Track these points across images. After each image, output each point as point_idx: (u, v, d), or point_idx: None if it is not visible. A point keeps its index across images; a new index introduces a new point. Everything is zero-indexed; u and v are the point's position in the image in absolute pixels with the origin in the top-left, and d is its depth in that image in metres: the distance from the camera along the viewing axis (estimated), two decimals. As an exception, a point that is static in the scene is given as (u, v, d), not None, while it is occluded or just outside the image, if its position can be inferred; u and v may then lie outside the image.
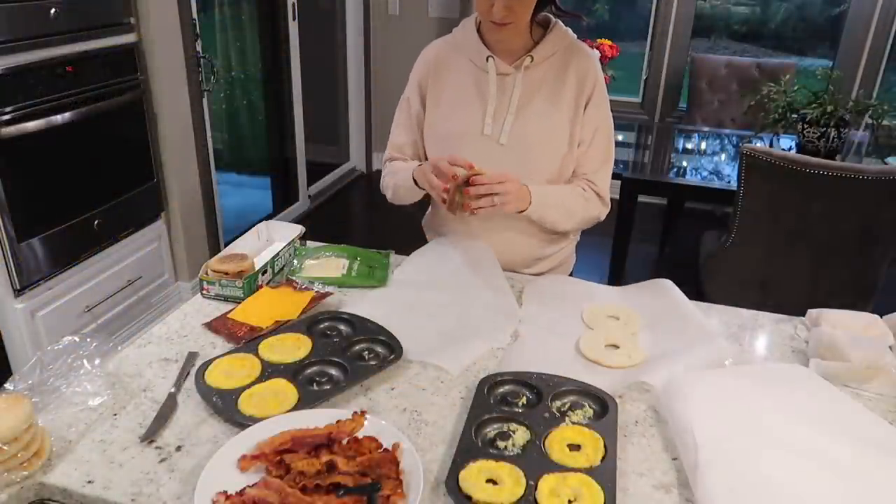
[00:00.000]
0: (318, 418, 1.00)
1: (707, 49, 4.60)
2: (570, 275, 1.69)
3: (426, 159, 1.56)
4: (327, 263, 1.53)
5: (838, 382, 1.15)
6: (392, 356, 1.18)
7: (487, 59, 1.44)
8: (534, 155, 1.47)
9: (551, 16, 1.47)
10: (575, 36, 1.48)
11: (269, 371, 1.13)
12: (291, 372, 1.13)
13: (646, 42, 4.30)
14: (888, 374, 1.15)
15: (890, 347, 1.23)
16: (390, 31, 4.52)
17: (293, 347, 1.19)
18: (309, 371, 1.15)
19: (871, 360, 1.15)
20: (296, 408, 1.04)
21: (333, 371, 1.15)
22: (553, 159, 1.47)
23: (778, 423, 0.99)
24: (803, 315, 1.36)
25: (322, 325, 1.27)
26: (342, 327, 1.27)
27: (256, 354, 1.17)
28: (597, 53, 2.88)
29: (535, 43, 1.44)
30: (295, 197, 4.22)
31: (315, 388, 1.10)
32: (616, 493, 0.89)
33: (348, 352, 1.19)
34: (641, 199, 2.85)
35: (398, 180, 1.52)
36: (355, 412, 1.00)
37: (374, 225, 4.19)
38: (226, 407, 1.04)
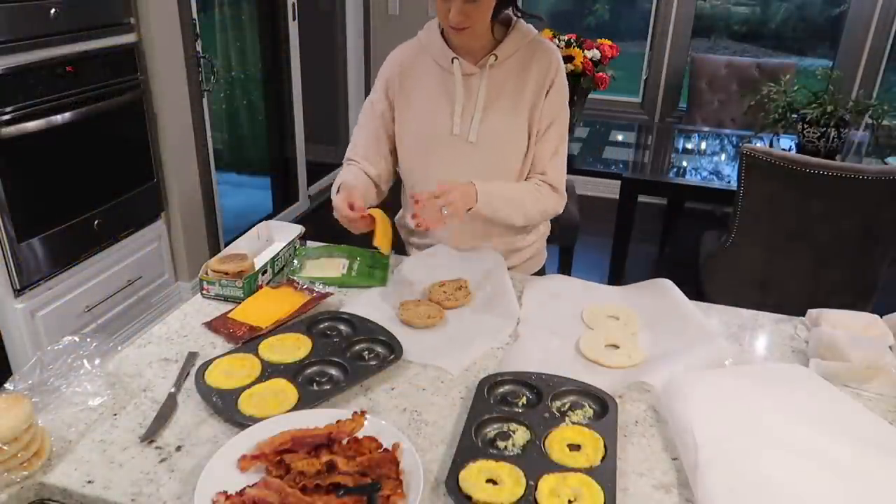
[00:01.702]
0: (318, 418, 1.00)
1: (707, 49, 4.60)
2: (543, 268, 1.72)
3: (390, 156, 1.59)
4: (327, 263, 1.53)
5: (838, 382, 1.16)
6: (392, 356, 1.18)
7: (452, 61, 1.47)
8: (503, 151, 1.50)
9: (512, 15, 1.49)
10: (536, 32, 1.50)
11: (269, 371, 1.13)
12: (291, 372, 1.13)
13: (646, 42, 4.30)
14: (888, 374, 1.15)
15: (890, 347, 1.23)
16: (390, 31, 4.52)
17: (293, 347, 1.19)
18: (309, 371, 1.15)
19: (871, 360, 1.15)
20: (296, 408, 1.04)
21: (333, 371, 1.15)
22: (520, 153, 1.51)
23: (778, 423, 0.99)
24: (803, 315, 1.36)
25: (322, 325, 1.27)
26: (342, 327, 1.27)
27: (256, 354, 1.17)
28: (597, 53, 2.87)
29: (498, 42, 1.47)
30: (295, 197, 4.21)
31: (315, 388, 1.10)
32: (616, 493, 0.89)
33: (348, 352, 1.19)
34: (641, 199, 2.85)
35: (333, 191, 1.52)
36: (355, 412, 1.00)
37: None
38: (226, 407, 1.04)
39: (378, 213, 1.42)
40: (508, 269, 1.54)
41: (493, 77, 1.47)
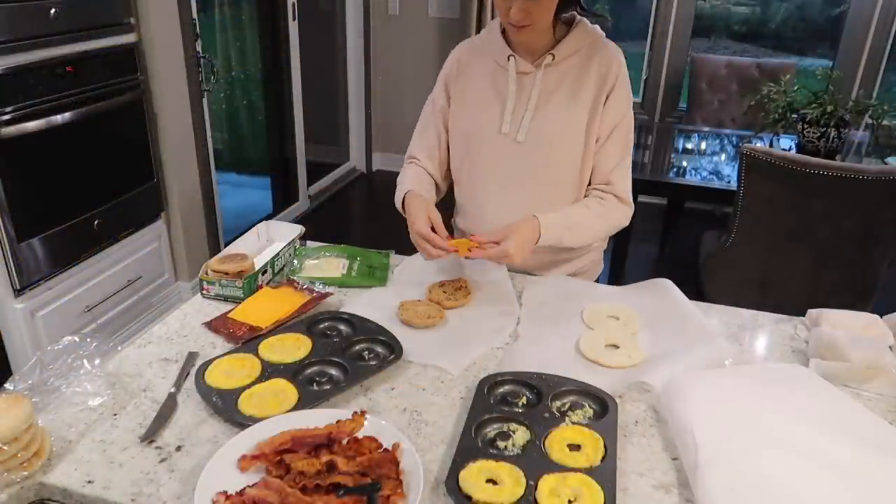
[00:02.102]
0: (318, 418, 1.00)
1: (707, 49, 4.60)
2: (597, 280, 1.68)
3: (447, 154, 1.58)
4: (327, 263, 1.53)
5: (838, 382, 1.16)
6: (392, 356, 1.18)
7: (508, 59, 1.45)
8: (552, 152, 1.46)
9: (577, 14, 1.46)
10: (603, 34, 1.46)
11: (269, 371, 1.13)
12: (291, 372, 1.13)
13: (646, 42, 4.30)
14: (888, 374, 1.15)
15: (890, 347, 1.23)
16: (390, 31, 4.52)
17: (293, 347, 1.19)
18: (309, 371, 1.15)
19: (871, 360, 1.15)
20: (296, 408, 1.04)
21: (333, 371, 1.15)
22: (572, 156, 1.46)
23: (778, 423, 0.99)
24: (803, 315, 1.36)
25: (322, 325, 1.27)
26: (342, 327, 1.27)
27: (256, 354, 1.17)
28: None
29: (559, 41, 1.44)
30: (295, 197, 4.22)
31: (315, 388, 1.10)
32: (616, 493, 0.89)
33: (348, 352, 1.19)
34: (641, 199, 2.84)
35: (396, 194, 1.52)
36: (355, 412, 1.00)
37: (374, 225, 4.19)
38: (226, 407, 1.04)
39: (461, 246, 1.36)
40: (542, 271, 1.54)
41: (548, 77, 1.43)
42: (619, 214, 1.50)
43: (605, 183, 1.48)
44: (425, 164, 1.57)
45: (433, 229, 1.37)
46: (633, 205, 1.52)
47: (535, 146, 1.45)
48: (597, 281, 1.68)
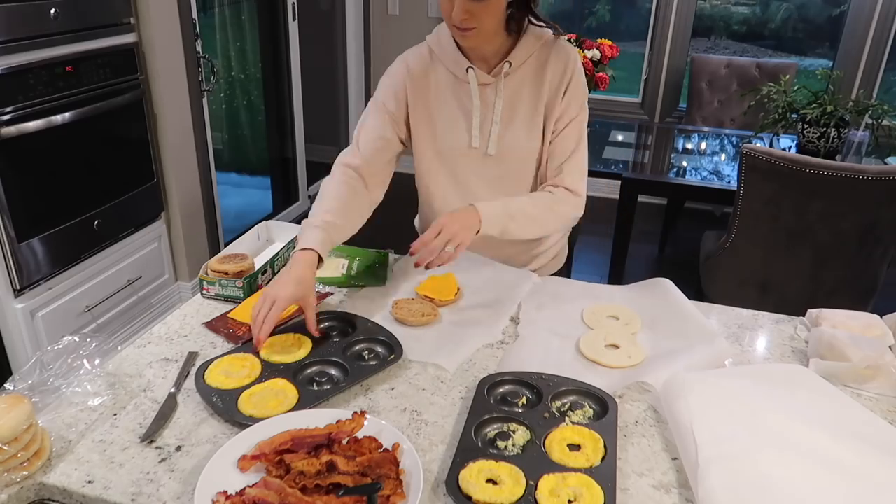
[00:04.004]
0: (318, 418, 1.00)
1: (707, 49, 4.60)
2: (567, 270, 1.69)
3: (389, 162, 1.48)
4: (327, 263, 1.53)
5: (838, 382, 1.16)
6: (392, 356, 1.18)
7: (467, 70, 1.40)
8: (522, 161, 1.46)
9: (526, 22, 1.41)
10: (551, 34, 1.43)
11: (269, 371, 1.13)
12: (291, 372, 1.13)
13: (646, 42, 4.30)
14: (888, 374, 1.15)
15: (890, 347, 1.23)
16: (390, 31, 4.52)
17: (293, 347, 1.19)
18: (309, 371, 1.15)
19: (871, 360, 1.15)
20: (296, 408, 1.04)
21: (333, 371, 1.15)
22: (541, 161, 1.47)
23: (778, 423, 0.99)
24: (803, 315, 1.37)
25: (322, 325, 1.27)
26: (342, 327, 1.27)
27: (256, 354, 1.17)
28: (597, 53, 2.87)
29: (511, 47, 1.40)
30: (295, 197, 4.21)
31: (315, 388, 1.10)
32: (616, 493, 0.89)
33: (348, 352, 1.19)
34: (641, 199, 2.85)
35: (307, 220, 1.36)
36: (355, 412, 1.00)
37: (374, 225, 4.19)
38: (226, 407, 1.04)
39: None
40: (532, 271, 1.54)
41: (508, 86, 1.41)
42: (570, 206, 1.45)
43: (557, 174, 1.44)
44: (363, 171, 1.43)
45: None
46: (584, 196, 1.46)
47: (505, 157, 1.45)
48: (561, 272, 1.67)
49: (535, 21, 1.42)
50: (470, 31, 1.30)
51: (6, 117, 2.04)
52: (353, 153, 1.46)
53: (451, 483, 0.89)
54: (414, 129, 1.48)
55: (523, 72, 1.42)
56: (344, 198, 1.39)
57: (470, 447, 0.96)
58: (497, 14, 1.32)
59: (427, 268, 1.28)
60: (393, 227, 1.50)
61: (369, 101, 1.50)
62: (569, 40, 2.82)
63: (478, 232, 1.31)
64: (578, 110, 1.43)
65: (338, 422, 0.99)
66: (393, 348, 1.19)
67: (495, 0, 1.28)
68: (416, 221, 1.69)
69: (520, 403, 1.07)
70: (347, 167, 1.44)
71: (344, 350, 1.19)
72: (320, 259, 1.27)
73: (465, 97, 1.43)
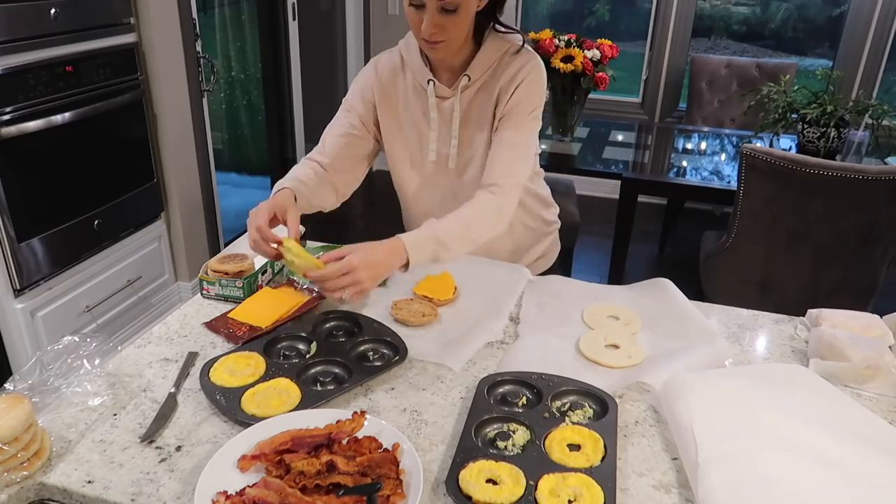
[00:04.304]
0: (318, 418, 1.00)
1: (707, 49, 4.60)
2: (568, 267, 1.69)
3: (365, 162, 1.50)
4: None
5: (838, 382, 1.16)
6: (396, 357, 1.17)
7: (428, 83, 1.39)
8: (482, 173, 1.41)
9: (494, 31, 1.38)
10: (516, 44, 1.37)
11: (274, 370, 1.13)
12: (295, 371, 1.13)
13: (646, 42, 4.30)
14: (888, 374, 1.15)
15: (890, 347, 1.23)
16: (390, 31, 4.52)
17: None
18: (313, 371, 1.15)
19: (871, 360, 1.15)
20: (298, 408, 1.04)
21: (337, 371, 1.15)
22: None
23: (778, 423, 0.99)
24: (803, 315, 1.37)
25: (328, 325, 1.27)
26: (348, 327, 1.27)
27: (262, 353, 1.17)
28: (597, 53, 2.87)
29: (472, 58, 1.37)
30: (295, 197, 4.21)
31: (318, 388, 1.10)
32: (616, 493, 0.89)
33: (353, 352, 1.19)
34: (641, 199, 2.85)
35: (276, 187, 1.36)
36: (355, 412, 1.00)
37: (374, 225, 4.18)
38: (229, 405, 1.04)
39: (292, 245, 1.21)
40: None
41: (466, 100, 1.39)
42: (499, 204, 1.34)
43: (489, 173, 1.35)
44: (327, 166, 1.43)
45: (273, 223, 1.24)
46: (514, 188, 1.35)
47: (465, 170, 1.45)
48: (552, 270, 1.68)
49: (499, 29, 1.38)
50: (439, 44, 1.29)
51: (6, 117, 2.04)
52: (319, 151, 1.46)
53: (451, 483, 0.89)
54: (384, 133, 1.49)
55: (483, 83, 1.39)
56: (309, 176, 1.39)
57: (470, 447, 0.96)
58: (466, 25, 1.29)
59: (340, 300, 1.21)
60: (391, 226, 1.50)
61: (341, 104, 1.50)
62: (569, 40, 2.85)
63: (406, 266, 1.23)
64: (518, 103, 1.35)
65: (338, 422, 0.99)
66: (397, 349, 1.19)
67: (464, 12, 1.25)
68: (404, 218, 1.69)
69: (520, 403, 1.07)
70: (311, 160, 1.44)
71: (349, 350, 1.19)
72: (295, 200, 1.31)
73: (427, 109, 1.43)
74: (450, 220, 1.29)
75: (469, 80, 1.38)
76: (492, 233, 1.35)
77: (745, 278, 2.37)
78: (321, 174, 1.42)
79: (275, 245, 1.21)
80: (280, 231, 1.25)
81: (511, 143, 1.36)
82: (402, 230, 1.40)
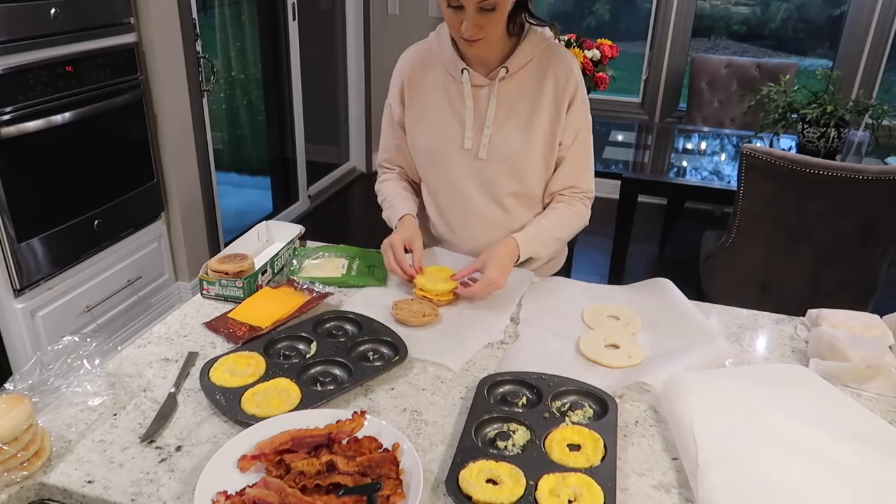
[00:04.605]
0: (318, 418, 1.00)
1: (707, 49, 4.60)
2: (568, 267, 1.69)
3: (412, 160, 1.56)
4: (327, 263, 1.53)
5: (838, 382, 1.16)
6: (396, 357, 1.17)
7: (462, 72, 1.40)
8: (516, 167, 1.45)
9: (525, 21, 1.42)
10: (552, 37, 1.43)
11: (274, 370, 1.13)
12: (295, 371, 1.13)
13: (646, 42, 4.30)
14: (888, 374, 1.15)
15: (890, 347, 1.23)
16: (390, 31, 4.52)
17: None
18: (313, 371, 1.15)
19: (871, 360, 1.15)
20: (298, 408, 1.04)
21: (337, 371, 1.15)
22: (535, 169, 1.46)
23: (778, 423, 0.99)
24: (803, 315, 1.37)
25: (328, 325, 1.27)
26: (348, 327, 1.27)
27: (262, 353, 1.17)
28: (597, 53, 2.88)
29: (511, 50, 1.40)
30: (295, 197, 4.22)
31: (318, 388, 1.10)
32: (616, 493, 0.89)
33: (353, 352, 1.19)
34: (641, 199, 2.85)
35: (385, 214, 1.56)
36: (355, 412, 1.00)
37: (374, 225, 4.20)
38: (229, 405, 1.04)
39: (427, 275, 1.41)
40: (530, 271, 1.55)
41: (504, 90, 1.40)
42: (584, 209, 1.52)
43: (570, 186, 1.49)
44: (404, 168, 1.59)
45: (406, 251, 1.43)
46: (593, 191, 1.53)
47: (497, 162, 1.44)
48: (561, 272, 1.68)
49: (531, 20, 1.41)
50: (478, 42, 1.32)
51: (6, 117, 2.04)
52: (387, 159, 1.62)
53: (451, 483, 0.89)
54: (408, 127, 1.51)
55: (521, 77, 1.41)
56: (409, 190, 1.58)
57: (470, 447, 0.96)
58: (503, 22, 1.33)
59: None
60: (393, 227, 1.51)
61: (385, 103, 1.57)
62: (568, 40, 2.85)
63: (517, 261, 1.42)
64: (584, 121, 1.46)
65: (338, 422, 0.99)
66: (398, 349, 1.19)
67: (501, 10, 1.28)
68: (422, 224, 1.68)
69: (520, 403, 1.07)
70: (392, 171, 1.61)
71: (349, 350, 1.19)
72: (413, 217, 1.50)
73: (459, 98, 1.43)
74: (551, 222, 1.48)
75: (507, 71, 1.40)
76: (574, 233, 1.55)
77: (745, 278, 2.37)
78: (411, 193, 1.58)
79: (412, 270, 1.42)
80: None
81: (587, 159, 1.50)
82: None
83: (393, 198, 1.54)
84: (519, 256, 1.42)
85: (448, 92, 1.45)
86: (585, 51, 2.84)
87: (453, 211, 1.53)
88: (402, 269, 1.40)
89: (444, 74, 1.45)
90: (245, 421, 1.01)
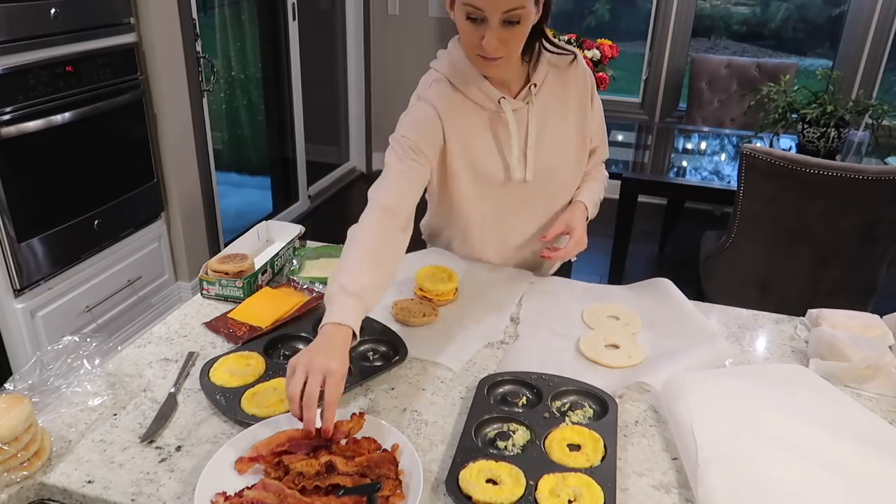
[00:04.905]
0: (318, 418, 1.00)
1: (707, 49, 4.60)
2: (568, 267, 1.69)
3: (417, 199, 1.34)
4: (327, 263, 1.53)
5: (838, 382, 1.16)
6: (396, 357, 1.17)
7: (499, 102, 1.34)
8: (557, 182, 1.45)
9: (545, 51, 1.38)
10: (557, 46, 1.40)
11: (273, 370, 1.13)
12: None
13: (646, 42, 4.30)
14: (888, 374, 1.15)
15: (890, 347, 1.23)
16: (390, 31, 4.52)
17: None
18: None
19: (871, 360, 1.15)
20: (296, 408, 1.04)
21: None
22: (573, 177, 1.48)
23: (778, 423, 0.99)
24: (803, 315, 1.37)
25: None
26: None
27: (262, 353, 1.17)
28: (597, 53, 2.87)
29: (526, 74, 1.36)
30: (295, 197, 4.22)
31: (317, 388, 1.10)
32: (616, 493, 0.89)
33: (353, 352, 1.19)
34: (641, 199, 2.85)
35: (331, 285, 1.11)
36: (354, 414, 1.00)
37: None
38: (229, 405, 1.04)
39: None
40: (536, 273, 1.55)
41: (536, 108, 1.37)
42: (606, 177, 1.62)
43: (601, 143, 1.57)
44: (401, 217, 1.23)
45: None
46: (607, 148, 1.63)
47: (541, 181, 1.42)
48: (563, 272, 1.68)
49: (551, 49, 1.38)
50: (498, 60, 1.24)
51: (6, 117, 2.04)
52: (388, 199, 1.25)
53: (451, 483, 0.89)
54: (450, 165, 1.39)
55: (545, 91, 1.39)
56: (377, 247, 1.18)
57: (470, 447, 0.96)
58: (524, 37, 1.25)
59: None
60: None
61: (392, 139, 1.33)
62: (568, 40, 2.85)
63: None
64: (601, 112, 1.53)
65: (337, 423, 0.98)
66: (397, 349, 1.19)
67: (525, 24, 1.21)
68: (424, 224, 1.65)
69: (520, 403, 1.07)
70: (383, 210, 1.23)
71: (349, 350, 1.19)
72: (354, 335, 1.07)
73: (499, 127, 1.36)
74: (595, 186, 1.54)
75: (536, 87, 1.36)
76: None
77: (745, 278, 2.37)
78: (395, 234, 1.22)
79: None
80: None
81: (604, 126, 1.56)
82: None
83: (354, 268, 1.12)
84: (588, 217, 1.48)
85: (484, 124, 1.36)
86: (585, 51, 2.85)
87: (490, 232, 1.50)
88: (302, 417, 0.96)
89: (475, 108, 1.35)
90: (245, 421, 1.01)
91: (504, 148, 1.38)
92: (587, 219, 1.47)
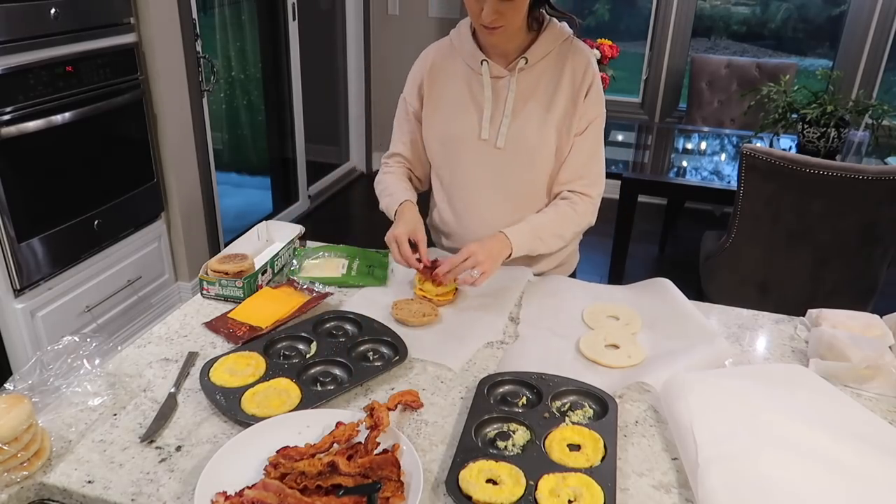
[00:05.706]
0: (318, 418, 1.00)
1: (707, 49, 4.60)
2: (573, 274, 1.68)
3: (425, 156, 1.57)
4: (327, 263, 1.53)
5: (838, 382, 1.16)
6: (396, 357, 1.17)
7: (482, 63, 1.44)
8: (532, 157, 1.46)
9: (546, 14, 1.45)
10: (571, 32, 1.46)
11: (273, 370, 1.13)
12: (295, 371, 1.13)
13: (646, 42, 4.30)
14: (888, 374, 1.15)
15: (890, 347, 1.23)
16: (390, 31, 4.52)
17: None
18: (313, 371, 1.15)
19: (871, 360, 1.15)
20: (298, 407, 1.04)
21: (337, 371, 1.15)
22: (551, 160, 1.47)
23: (778, 423, 0.99)
24: (803, 315, 1.37)
25: (328, 325, 1.27)
26: (348, 327, 1.27)
27: (262, 353, 1.17)
28: (597, 53, 2.87)
29: (530, 43, 1.43)
30: (295, 197, 4.22)
31: (318, 388, 1.10)
32: (616, 493, 0.89)
33: (353, 352, 1.19)
34: (641, 199, 2.85)
35: (383, 203, 1.54)
36: (367, 406, 1.00)
37: (374, 225, 4.19)
38: (229, 405, 1.04)
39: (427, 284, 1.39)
40: (537, 274, 1.55)
41: (522, 81, 1.43)
42: (589, 213, 1.50)
43: (578, 177, 1.48)
44: (411, 164, 1.59)
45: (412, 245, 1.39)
46: (598, 200, 1.51)
47: (514, 152, 1.46)
48: (573, 274, 1.68)
49: (551, 12, 1.44)
50: (497, 30, 1.34)
51: (6, 117, 2.04)
52: (396, 150, 1.59)
53: (451, 483, 0.89)
54: (424, 118, 1.53)
55: (540, 69, 1.43)
56: (408, 188, 1.54)
57: (470, 447, 0.96)
58: (523, 11, 1.35)
59: (438, 285, 1.38)
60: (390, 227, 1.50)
61: (400, 98, 1.58)
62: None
63: (509, 257, 1.39)
64: (597, 113, 1.47)
65: (337, 424, 0.98)
66: (398, 349, 1.19)
67: None
68: (430, 220, 1.68)
69: (520, 403, 1.07)
70: (396, 163, 1.60)
71: (349, 350, 1.19)
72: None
73: (478, 89, 1.46)
74: (548, 217, 1.47)
75: (526, 62, 1.42)
76: (573, 237, 1.55)
77: (745, 278, 2.37)
78: (410, 184, 1.57)
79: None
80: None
81: (596, 151, 1.50)
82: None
83: (393, 187, 1.53)
84: (511, 248, 1.39)
85: (468, 83, 1.47)
86: (585, 51, 2.84)
87: (468, 203, 1.54)
88: (409, 263, 1.38)
89: (464, 67, 1.47)
90: (245, 421, 1.01)
91: (479, 111, 1.45)
92: (510, 251, 1.39)
